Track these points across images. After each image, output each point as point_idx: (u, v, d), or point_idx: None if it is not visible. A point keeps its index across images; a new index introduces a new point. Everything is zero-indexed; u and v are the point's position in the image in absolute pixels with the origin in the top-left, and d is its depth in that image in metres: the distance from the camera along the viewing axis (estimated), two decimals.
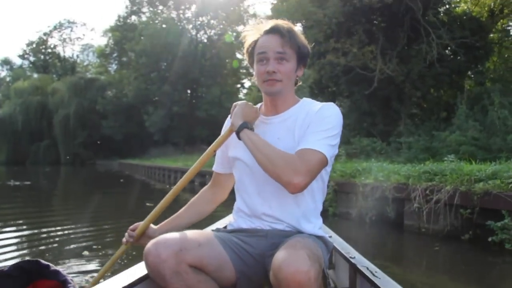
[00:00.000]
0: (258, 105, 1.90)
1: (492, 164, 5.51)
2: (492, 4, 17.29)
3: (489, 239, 4.62)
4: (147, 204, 9.89)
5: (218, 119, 34.24)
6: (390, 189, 5.91)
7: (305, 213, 1.73)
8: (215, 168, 2.00)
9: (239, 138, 1.67)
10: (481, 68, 16.54)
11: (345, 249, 2.29)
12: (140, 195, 14.01)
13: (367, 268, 1.91)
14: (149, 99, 36.01)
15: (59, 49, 57.09)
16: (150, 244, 1.52)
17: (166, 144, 33.88)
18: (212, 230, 1.83)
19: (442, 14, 15.91)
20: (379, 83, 13.88)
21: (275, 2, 17.26)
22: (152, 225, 1.91)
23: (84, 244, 5.21)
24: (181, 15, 38.87)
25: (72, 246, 5.19)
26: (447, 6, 16.81)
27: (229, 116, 1.85)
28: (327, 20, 13.37)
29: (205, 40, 38.78)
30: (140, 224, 1.89)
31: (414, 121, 13.67)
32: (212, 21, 38.19)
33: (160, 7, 40.26)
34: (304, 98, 1.83)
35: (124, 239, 1.91)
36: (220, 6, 35.58)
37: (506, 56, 18.38)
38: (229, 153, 1.87)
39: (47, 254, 4.65)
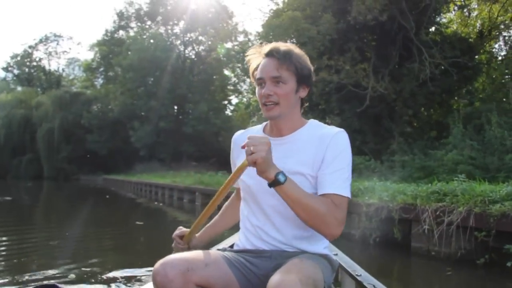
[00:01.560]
0: (264, 124, 1.89)
1: (504, 185, 5.27)
2: (480, 26, 17.51)
3: (508, 264, 4.37)
4: (137, 222, 9.52)
5: (205, 135, 34.21)
6: (396, 210, 5.65)
7: (309, 233, 1.71)
8: (236, 185, 1.94)
9: (270, 186, 1.56)
10: (470, 88, 16.65)
11: (351, 267, 2.26)
12: (128, 212, 13.59)
13: (374, 286, 1.90)
14: (135, 114, 35.59)
15: (44, 62, 56.03)
16: (157, 264, 1.54)
17: (152, 160, 33.36)
18: (218, 249, 1.85)
19: (433, 34, 16.00)
20: (370, 101, 13.79)
21: (266, 18, 17.13)
22: (194, 237, 1.99)
23: (67, 266, 4.85)
24: (169, 31, 38.79)
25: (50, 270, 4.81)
26: (438, 26, 16.94)
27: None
28: (320, 37, 13.26)
29: (193, 56, 38.69)
30: (186, 232, 1.97)
31: (407, 140, 13.55)
32: (200, 37, 38.13)
33: (148, 23, 40.19)
34: (311, 120, 1.82)
35: (173, 245, 1.99)
36: (209, 22, 35.48)
37: (494, 76, 18.53)
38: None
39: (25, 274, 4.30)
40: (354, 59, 14.10)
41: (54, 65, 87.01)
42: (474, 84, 17.03)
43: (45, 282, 1.90)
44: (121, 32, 42.20)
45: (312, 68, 1.77)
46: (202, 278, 1.55)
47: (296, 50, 1.75)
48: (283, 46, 1.73)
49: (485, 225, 4.68)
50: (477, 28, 17.66)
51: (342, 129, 1.72)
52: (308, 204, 1.54)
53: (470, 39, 16.60)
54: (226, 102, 39.52)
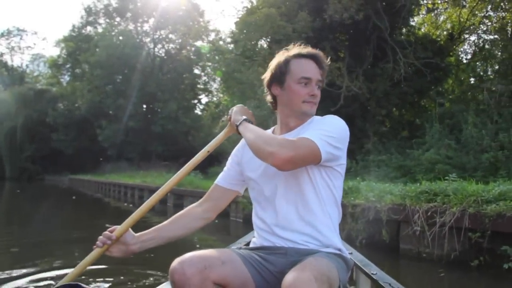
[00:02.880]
0: (272, 129, 1.97)
1: (496, 184, 5.15)
2: (450, 28, 17.76)
3: (505, 266, 4.24)
4: (107, 225, 9.05)
5: (175, 135, 33.70)
6: (384, 211, 5.46)
7: (323, 231, 1.74)
8: (218, 181, 2.02)
9: (238, 132, 1.82)
10: (440, 89, 16.85)
11: (366, 266, 2.25)
12: (96, 214, 13.07)
13: (390, 285, 1.89)
14: (103, 113, 34.81)
15: (6, 58, 54.07)
16: (175, 262, 1.54)
17: (120, 160, 32.68)
18: (234, 248, 1.87)
19: (406, 35, 16.11)
20: (344, 100, 13.71)
21: (240, 16, 16.86)
22: (131, 231, 1.88)
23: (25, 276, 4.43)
24: (139, 28, 38.07)
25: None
26: (410, 28, 17.08)
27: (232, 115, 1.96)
28: (296, 35, 13.07)
29: (163, 54, 38.05)
30: (117, 228, 1.84)
31: (381, 140, 13.54)
32: (170, 35, 37.58)
33: (118, 19, 39.32)
34: (315, 116, 1.88)
35: (98, 242, 1.84)
36: (180, 20, 34.98)
37: (462, 78, 18.87)
38: (246, 173, 1.92)
39: None
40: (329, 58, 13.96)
41: (17, 60, 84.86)
42: (443, 86, 17.24)
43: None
44: (88, 28, 41.17)
45: None
46: (219, 276, 1.56)
47: None
48: (320, 53, 1.86)
49: (479, 225, 4.54)
50: (448, 31, 17.89)
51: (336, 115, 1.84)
52: (264, 135, 1.68)
53: (440, 42, 16.77)
54: (196, 101, 39.06)
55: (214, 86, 38.94)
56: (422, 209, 5.01)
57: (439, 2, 17.79)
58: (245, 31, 14.55)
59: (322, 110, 1.92)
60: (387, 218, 5.47)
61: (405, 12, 14.78)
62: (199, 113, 38.51)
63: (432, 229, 4.85)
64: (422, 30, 18.31)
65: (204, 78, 38.81)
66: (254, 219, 1.89)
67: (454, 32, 17.37)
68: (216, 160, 24.34)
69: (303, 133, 1.70)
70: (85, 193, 23.70)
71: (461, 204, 4.75)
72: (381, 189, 6.10)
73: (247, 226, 9.00)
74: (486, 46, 17.69)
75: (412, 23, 17.64)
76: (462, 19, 17.10)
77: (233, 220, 10.05)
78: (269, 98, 1.91)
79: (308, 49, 1.84)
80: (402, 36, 15.55)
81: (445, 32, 18.04)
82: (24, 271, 4.58)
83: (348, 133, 1.77)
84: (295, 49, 1.84)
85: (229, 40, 20.47)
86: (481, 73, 18.72)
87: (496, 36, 16.76)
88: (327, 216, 1.76)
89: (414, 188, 5.69)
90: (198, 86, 38.28)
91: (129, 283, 4.19)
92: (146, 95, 33.97)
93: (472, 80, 18.69)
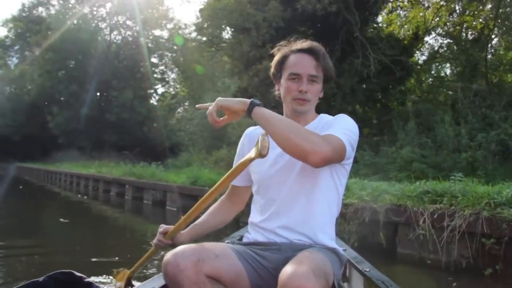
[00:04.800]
0: None
1: (505, 186, 4.77)
2: (415, 28, 17.87)
3: None
4: (61, 220, 8.28)
5: (129, 124, 32.60)
6: (381, 212, 5.04)
7: (320, 226, 1.74)
8: (234, 182, 2.00)
9: (250, 117, 1.63)
10: (403, 88, 16.91)
11: (359, 263, 2.23)
12: (47, 206, 12.08)
13: (382, 282, 1.88)
14: (54, 99, 33.32)
15: None
16: (169, 254, 1.53)
17: (71, 148, 31.32)
18: (227, 242, 1.88)
19: (375, 32, 16.06)
20: None
21: (205, 2, 16.23)
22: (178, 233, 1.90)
23: None
24: (95, 12, 36.50)
25: None
26: (377, 25, 17.11)
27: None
28: (266, 24, 12.65)
29: (119, 41, 36.72)
30: (169, 228, 1.88)
31: None
32: (128, 22, 36.29)
33: (72, 1, 37.57)
34: (321, 114, 1.88)
35: (154, 241, 1.92)
36: (138, 6, 33.84)
37: (423, 78, 19.18)
38: (250, 167, 1.86)
39: None
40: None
41: None
42: (406, 85, 17.32)
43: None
44: (40, 9, 39.29)
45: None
46: (212, 269, 1.54)
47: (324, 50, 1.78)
48: (317, 45, 1.78)
49: (495, 231, 4.15)
50: (412, 30, 18.00)
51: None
52: (289, 124, 1.55)
53: (404, 41, 16.84)
54: (152, 91, 38.01)
55: (172, 76, 38.09)
56: (427, 211, 4.61)
57: (406, 2, 17.90)
58: (211, 18, 13.97)
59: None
60: (385, 220, 5.06)
61: (376, 8, 14.68)
62: (155, 103, 37.50)
63: (439, 233, 4.46)
64: (389, 29, 18.35)
65: (162, 67, 37.88)
66: (252, 213, 1.88)
67: (420, 31, 17.48)
68: (171, 151, 23.83)
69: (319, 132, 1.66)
70: (33, 182, 22.45)
71: (472, 206, 4.37)
72: (374, 187, 5.70)
73: (233, 224, 8.45)
74: (444, 48, 18.04)
75: (380, 21, 17.75)
76: (427, 20, 17.25)
77: None
78: (277, 93, 1.87)
79: (305, 43, 1.79)
80: (371, 32, 15.44)
81: (409, 32, 18.17)
82: None
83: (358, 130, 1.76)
84: (294, 43, 1.81)
85: (191, 28, 19.81)
86: (443, 74, 19.09)
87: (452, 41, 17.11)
88: (327, 214, 1.76)
89: (414, 187, 5.29)
90: (155, 75, 37.25)
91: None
92: (100, 82, 32.68)
93: (430, 80, 19.07)
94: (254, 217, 1.85)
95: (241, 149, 1.96)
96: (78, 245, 5.99)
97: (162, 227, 1.91)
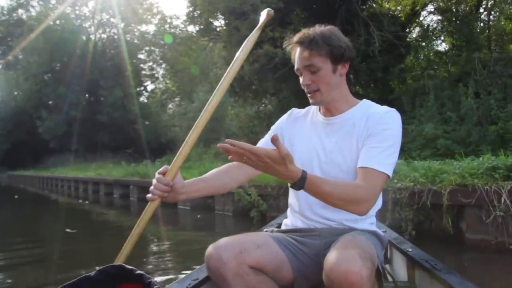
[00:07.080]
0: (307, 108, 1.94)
1: None
2: (412, 3, 17.45)
3: None
4: (67, 230, 7.65)
5: (121, 123, 31.90)
6: (444, 194, 4.48)
7: None
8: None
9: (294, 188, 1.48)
10: (403, 65, 16.53)
11: (401, 243, 2.22)
12: (48, 215, 11.27)
13: (426, 261, 1.85)
14: (42, 103, 32.51)
15: None
16: (210, 248, 1.53)
17: (64, 152, 30.59)
18: (266, 231, 1.87)
19: (377, 8, 15.62)
20: None
21: None
22: (179, 174, 1.66)
23: None
24: (77, 11, 35.59)
25: None
26: (373, 3, 16.62)
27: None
28: (265, 6, 12.05)
29: (105, 40, 35.88)
30: (168, 169, 1.63)
31: None
32: (112, 20, 35.47)
33: (53, 1, 36.59)
34: (364, 100, 1.82)
35: (152, 195, 1.61)
36: (122, 3, 33.01)
37: (421, 55, 18.86)
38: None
39: None
40: (296, 32, 13.13)
41: None
42: (405, 62, 16.97)
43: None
44: (20, 11, 38.18)
45: (347, 42, 1.74)
46: (255, 260, 1.54)
47: (325, 30, 1.72)
48: (310, 31, 1.72)
49: None
50: (409, 6, 17.57)
51: (393, 109, 1.70)
52: (334, 194, 1.46)
53: (401, 18, 16.48)
54: (142, 88, 37.33)
55: (161, 72, 37.46)
56: (505, 189, 4.07)
57: None
58: (206, 3, 13.37)
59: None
60: (449, 202, 4.50)
61: None
62: (145, 100, 36.85)
63: None
64: (385, 5, 17.92)
65: (150, 63, 37.25)
66: (290, 199, 1.88)
67: (418, 8, 17.05)
68: (167, 147, 23.30)
69: (356, 132, 1.68)
70: (28, 190, 21.71)
71: None
72: (425, 167, 5.14)
73: (238, 220, 7.91)
74: (444, 23, 17.61)
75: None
76: None
77: (220, 214, 8.62)
78: None
79: (296, 35, 1.78)
80: (372, 9, 14.99)
81: (407, 8, 17.75)
82: None
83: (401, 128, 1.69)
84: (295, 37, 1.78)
85: (179, 21, 19.17)
86: (441, 49, 18.68)
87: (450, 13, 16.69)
88: None
89: (477, 164, 4.70)
90: (143, 72, 36.58)
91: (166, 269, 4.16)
92: (88, 82, 31.91)
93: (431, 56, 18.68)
94: (292, 203, 1.85)
95: (279, 124, 1.91)
96: (92, 254, 5.49)
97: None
